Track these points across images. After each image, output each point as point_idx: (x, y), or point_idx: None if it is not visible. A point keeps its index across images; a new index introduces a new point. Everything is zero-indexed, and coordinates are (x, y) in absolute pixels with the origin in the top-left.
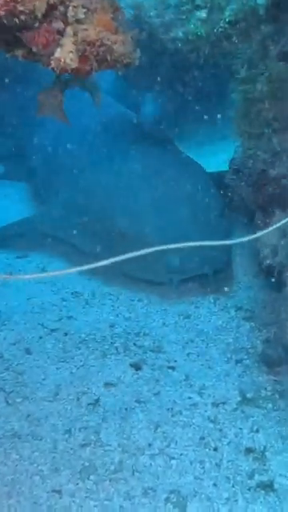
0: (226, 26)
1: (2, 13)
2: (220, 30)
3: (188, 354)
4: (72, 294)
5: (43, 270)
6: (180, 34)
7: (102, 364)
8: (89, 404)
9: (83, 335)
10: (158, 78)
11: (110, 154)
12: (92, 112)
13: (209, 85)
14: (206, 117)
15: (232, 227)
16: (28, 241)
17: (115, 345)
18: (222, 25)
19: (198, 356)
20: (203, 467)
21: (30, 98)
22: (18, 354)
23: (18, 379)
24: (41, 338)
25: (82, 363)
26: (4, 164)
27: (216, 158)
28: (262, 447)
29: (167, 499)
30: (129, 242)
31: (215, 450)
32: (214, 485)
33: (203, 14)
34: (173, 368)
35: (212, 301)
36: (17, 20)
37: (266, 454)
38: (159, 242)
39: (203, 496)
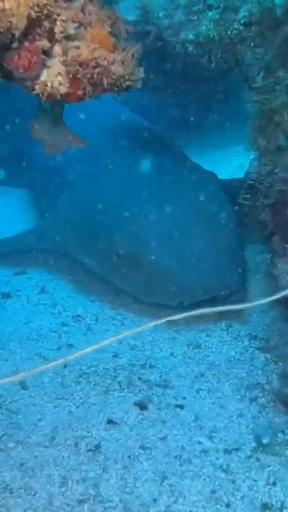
0: (241, 27)
1: None
2: (234, 32)
3: (198, 391)
4: (73, 317)
5: (43, 289)
6: (190, 36)
7: (103, 402)
8: (88, 450)
9: (84, 367)
10: (166, 83)
11: (118, 163)
12: (99, 118)
13: (220, 91)
14: (214, 124)
15: (245, 243)
16: (27, 255)
17: (118, 379)
18: (236, 26)
19: (208, 393)
20: None
21: (31, 102)
22: (13, 388)
23: (11, 419)
24: None
25: (81, 401)
26: (5, 169)
27: (226, 164)
28: (280, 503)
29: None
30: (133, 263)
31: (227, 506)
32: None
33: (216, 14)
34: (181, 407)
35: (224, 328)
36: None
37: (284, 511)
38: (165, 264)
39: None
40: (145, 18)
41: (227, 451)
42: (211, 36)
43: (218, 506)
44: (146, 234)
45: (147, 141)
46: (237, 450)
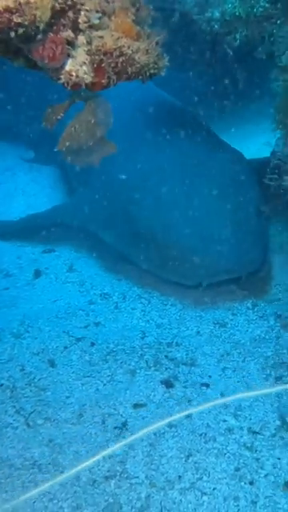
0: (267, 5)
1: None
2: (260, 9)
3: (223, 369)
4: (101, 295)
5: (71, 267)
6: (216, 15)
7: (130, 380)
8: (115, 428)
9: (111, 345)
10: (192, 62)
11: (145, 141)
12: (127, 96)
13: (245, 70)
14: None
15: (269, 222)
16: (55, 233)
17: (145, 357)
18: (262, 4)
19: (234, 371)
20: (238, 505)
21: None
22: (41, 366)
23: (40, 396)
24: (66, 348)
25: (109, 379)
26: (35, 148)
27: (253, 140)
28: None
29: None
30: (153, 241)
31: (251, 483)
32: None
33: None
34: (207, 385)
35: (250, 307)
36: (13, 33)
37: None
38: (184, 243)
39: None
40: None
41: (251, 429)
42: (237, 14)
43: (242, 484)
44: (168, 212)
45: (175, 118)
46: (261, 428)
